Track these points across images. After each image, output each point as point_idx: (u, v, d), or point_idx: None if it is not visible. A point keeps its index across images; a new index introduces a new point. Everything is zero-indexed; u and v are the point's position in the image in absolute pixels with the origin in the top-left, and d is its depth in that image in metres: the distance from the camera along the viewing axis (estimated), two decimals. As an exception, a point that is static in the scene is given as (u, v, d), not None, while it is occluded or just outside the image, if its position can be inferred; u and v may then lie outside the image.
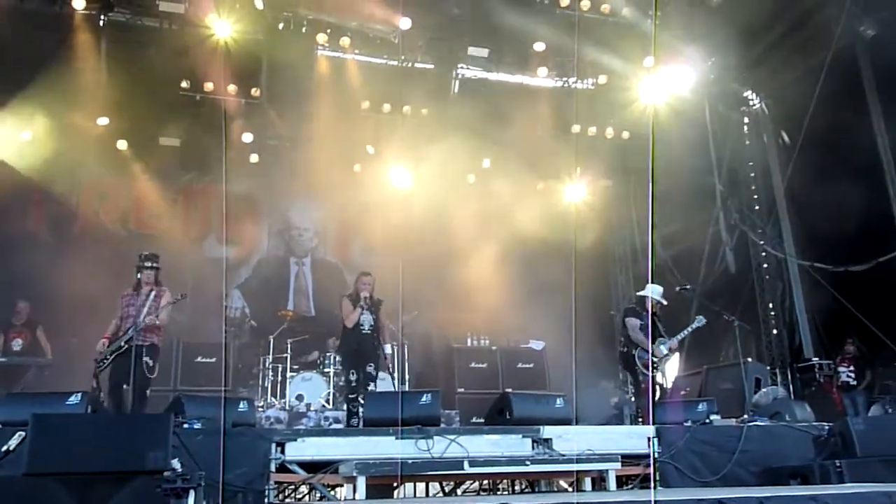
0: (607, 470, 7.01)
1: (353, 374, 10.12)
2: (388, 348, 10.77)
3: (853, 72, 13.33)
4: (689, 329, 10.69)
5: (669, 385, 10.76)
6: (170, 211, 14.76)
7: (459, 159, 15.35)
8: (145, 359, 9.02)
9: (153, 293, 9.31)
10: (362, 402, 9.67)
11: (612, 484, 7.02)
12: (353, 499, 6.22)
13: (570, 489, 7.63)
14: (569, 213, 15.90)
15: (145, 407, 8.96)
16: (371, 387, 9.98)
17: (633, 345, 10.40)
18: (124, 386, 8.82)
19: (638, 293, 11.17)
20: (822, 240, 13.79)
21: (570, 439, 7.47)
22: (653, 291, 10.67)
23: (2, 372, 11.47)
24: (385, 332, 10.58)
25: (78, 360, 10.70)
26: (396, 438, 6.95)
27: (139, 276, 9.45)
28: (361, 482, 5.96)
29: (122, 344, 8.94)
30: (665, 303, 10.76)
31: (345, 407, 10.48)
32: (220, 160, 14.87)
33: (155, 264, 9.53)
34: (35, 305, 12.22)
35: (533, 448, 7.47)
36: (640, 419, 9.86)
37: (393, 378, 12.15)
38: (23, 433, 5.84)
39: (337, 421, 11.44)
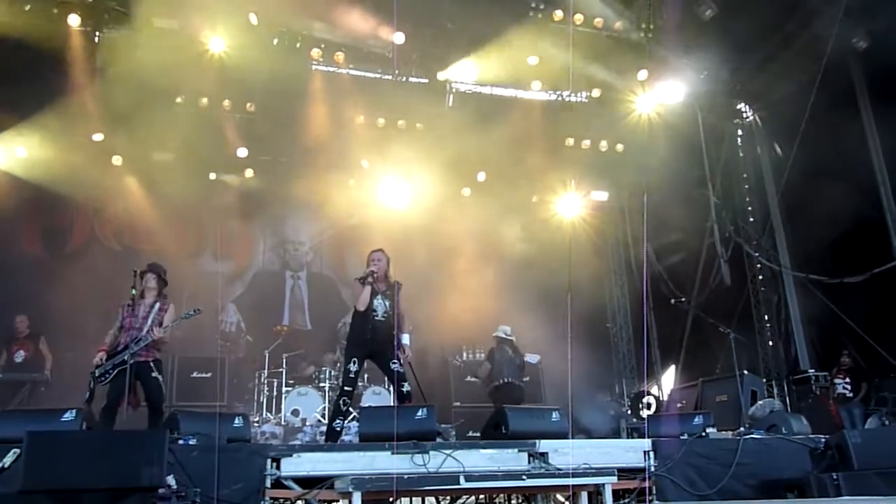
0: (604, 484, 6.95)
1: (354, 363, 8.79)
2: (405, 338, 9.10)
3: (846, 84, 13.41)
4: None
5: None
6: (165, 226, 14.64)
7: (454, 173, 15.38)
8: (155, 375, 8.74)
9: (157, 305, 8.87)
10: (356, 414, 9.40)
11: (609, 498, 6.98)
12: (349, 514, 6.19)
13: (566, 503, 7.61)
14: (563, 226, 15.90)
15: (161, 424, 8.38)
16: (406, 388, 8.82)
17: None
18: (122, 403, 8.36)
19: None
20: (817, 251, 13.84)
21: (566, 453, 7.43)
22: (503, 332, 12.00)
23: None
24: (405, 320, 9.22)
25: (73, 375, 10.54)
26: (392, 453, 6.91)
27: (143, 285, 8.93)
28: (357, 498, 5.91)
29: (126, 358, 8.39)
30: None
31: (336, 405, 9.05)
32: (214, 175, 14.92)
33: (162, 275, 9.12)
34: (31, 321, 12.21)
35: (529, 462, 7.42)
36: None
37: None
38: (18, 450, 5.81)
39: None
